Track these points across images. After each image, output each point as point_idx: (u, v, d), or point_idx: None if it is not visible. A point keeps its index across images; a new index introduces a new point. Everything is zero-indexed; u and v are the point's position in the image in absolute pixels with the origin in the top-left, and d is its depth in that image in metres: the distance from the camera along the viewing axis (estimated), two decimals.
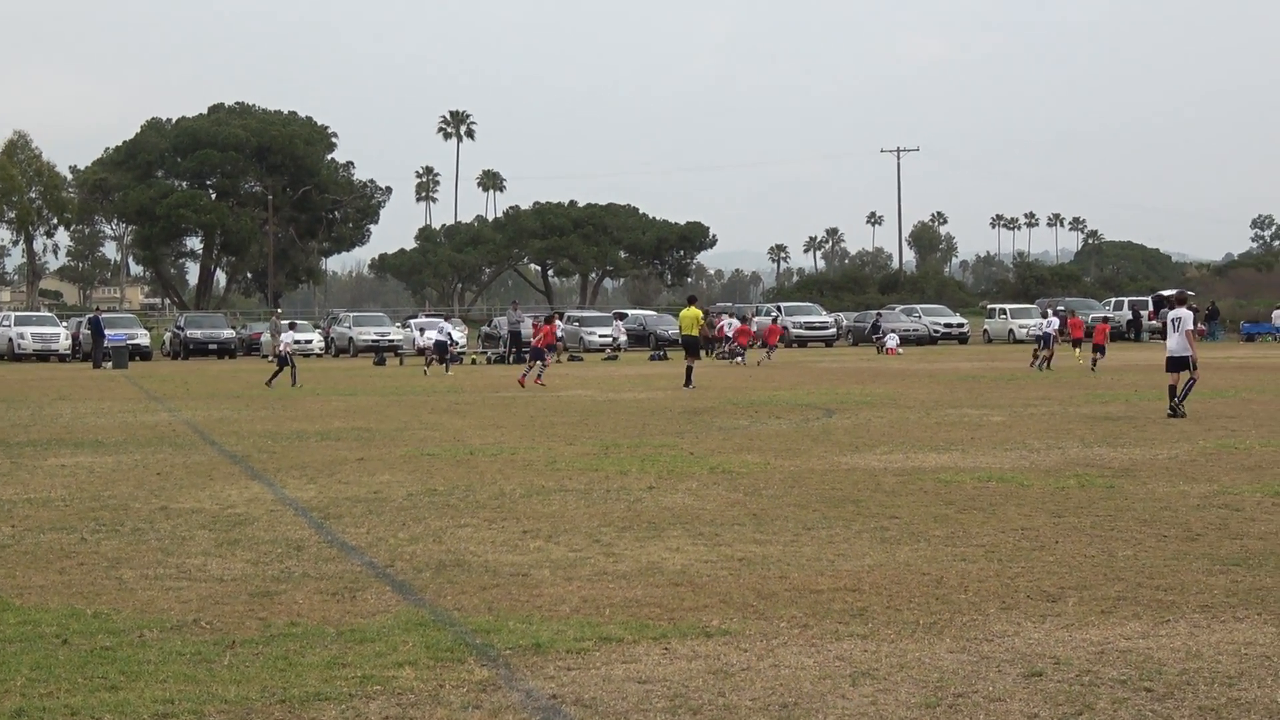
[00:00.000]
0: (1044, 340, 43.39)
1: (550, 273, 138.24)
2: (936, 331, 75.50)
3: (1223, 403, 26.01)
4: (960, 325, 77.09)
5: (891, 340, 63.19)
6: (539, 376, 36.05)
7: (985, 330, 77.62)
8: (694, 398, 30.02)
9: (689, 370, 34.44)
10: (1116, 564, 10.09)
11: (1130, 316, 76.34)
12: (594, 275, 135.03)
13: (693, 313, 36.29)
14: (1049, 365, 41.29)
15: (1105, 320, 49.77)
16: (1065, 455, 17.48)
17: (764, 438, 20.51)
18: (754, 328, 60.04)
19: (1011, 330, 73.82)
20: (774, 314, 74.77)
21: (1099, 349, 43.31)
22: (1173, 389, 23.02)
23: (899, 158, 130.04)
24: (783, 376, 39.30)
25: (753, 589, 9.47)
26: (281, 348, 39.21)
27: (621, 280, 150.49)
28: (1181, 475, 15.24)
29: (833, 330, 74.75)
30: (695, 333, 36.07)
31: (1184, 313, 23.96)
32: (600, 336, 67.56)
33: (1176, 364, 23.22)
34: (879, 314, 73.69)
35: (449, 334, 47.58)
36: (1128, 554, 10.49)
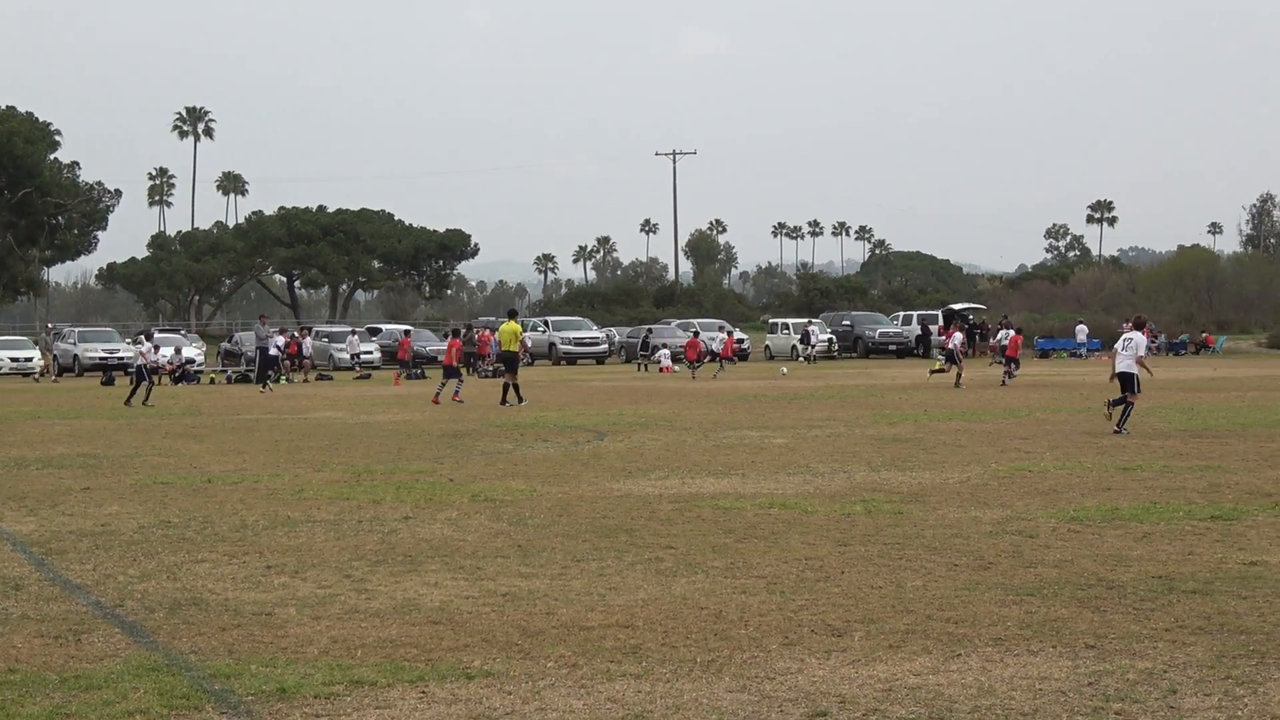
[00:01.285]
0: (950, 356, 45.29)
1: (297, 284, 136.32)
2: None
3: (1016, 423, 26.84)
4: (740, 341, 78.19)
5: (665, 357, 63.68)
6: (456, 393, 36.62)
7: (767, 346, 78.82)
8: (455, 419, 29.92)
9: (506, 388, 35.08)
10: (905, 595, 10.34)
11: (919, 332, 78.20)
12: (345, 287, 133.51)
13: (512, 327, 36.69)
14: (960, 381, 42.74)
15: (1019, 331, 51.43)
16: (851, 480, 17.85)
17: (530, 462, 20.52)
18: (529, 342, 60.18)
19: (795, 346, 75.10)
20: (540, 328, 75.00)
21: (1012, 361, 45.49)
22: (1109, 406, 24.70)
23: (675, 161, 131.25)
24: (551, 396, 39.38)
25: (517, 626, 9.47)
26: (140, 361, 38.97)
27: (375, 292, 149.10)
28: (973, 500, 15.67)
29: (604, 346, 75.15)
30: (514, 348, 36.54)
31: (1136, 335, 25.75)
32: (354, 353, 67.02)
33: (1126, 381, 24.81)
34: (649, 329, 74.27)
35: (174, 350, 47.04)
36: (917, 584, 10.75)
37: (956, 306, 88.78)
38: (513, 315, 38.27)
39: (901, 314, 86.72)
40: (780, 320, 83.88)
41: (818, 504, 15.45)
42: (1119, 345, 25.91)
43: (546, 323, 77.87)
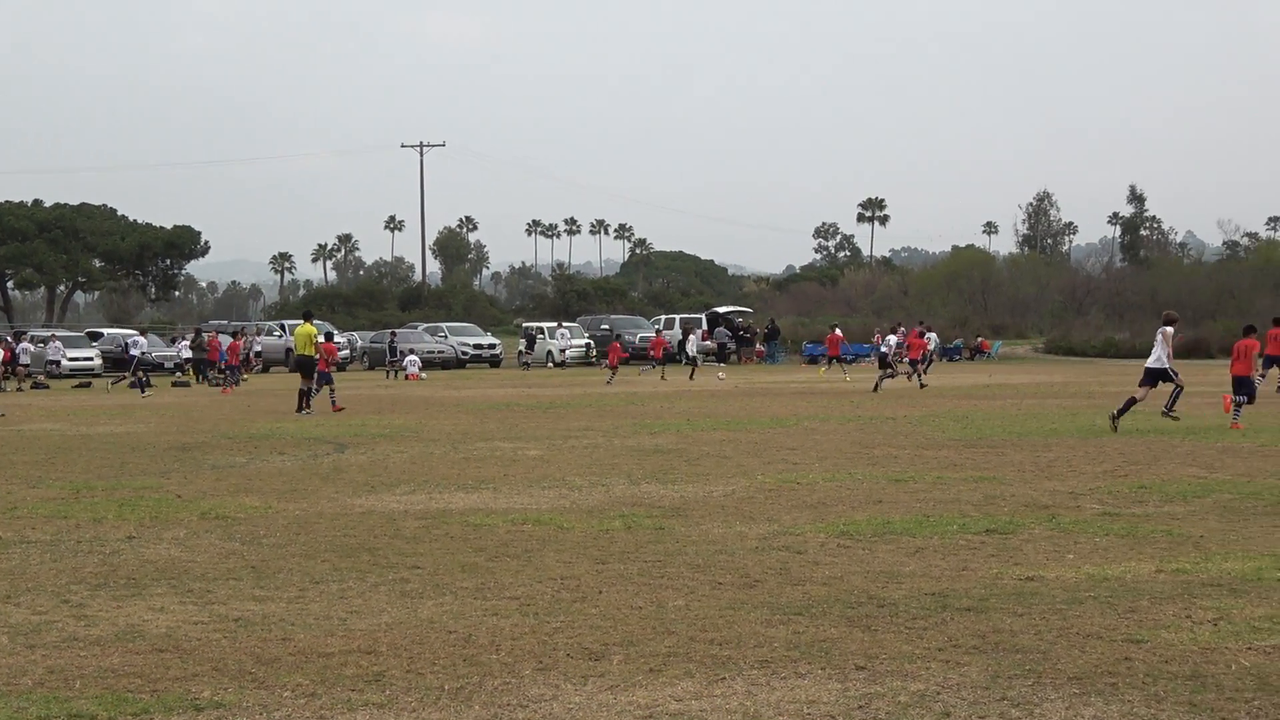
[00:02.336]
0: (882, 360, 46.62)
1: (10, 284, 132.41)
2: (465, 353, 76.28)
3: (783, 432, 27.24)
4: (492, 346, 78.13)
5: (412, 364, 63.35)
6: (333, 402, 36.45)
7: (520, 352, 78.95)
8: (183, 431, 29.40)
9: (302, 395, 35.30)
10: (667, 616, 10.41)
11: (681, 336, 78.93)
12: (63, 288, 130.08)
13: (307, 330, 36.31)
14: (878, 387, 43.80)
15: (921, 334, 52.43)
16: (610, 493, 17.94)
17: (265, 477, 20.25)
18: (258, 348, 59.37)
19: (550, 352, 75.30)
20: (278, 333, 74.10)
21: (916, 363, 47.35)
22: (1132, 400, 27.81)
23: (422, 154, 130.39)
24: (289, 406, 38.89)
25: (251, 654, 9.32)
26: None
27: (97, 294, 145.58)
28: (738, 514, 15.86)
29: (345, 352, 74.52)
30: (311, 352, 36.35)
31: (1167, 329, 28.43)
32: (71, 360, 65.52)
33: (1153, 375, 27.97)
34: (393, 333, 73.79)
35: None
36: (679, 604, 10.84)
37: (721, 310, 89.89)
38: (308, 317, 38.04)
39: (663, 317, 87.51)
40: (536, 324, 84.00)
41: (574, 519, 15.49)
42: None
43: (283, 326, 76.94)
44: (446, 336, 77.61)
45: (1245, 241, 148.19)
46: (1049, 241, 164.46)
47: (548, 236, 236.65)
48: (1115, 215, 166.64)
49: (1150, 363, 28.54)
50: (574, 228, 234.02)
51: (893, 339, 49.57)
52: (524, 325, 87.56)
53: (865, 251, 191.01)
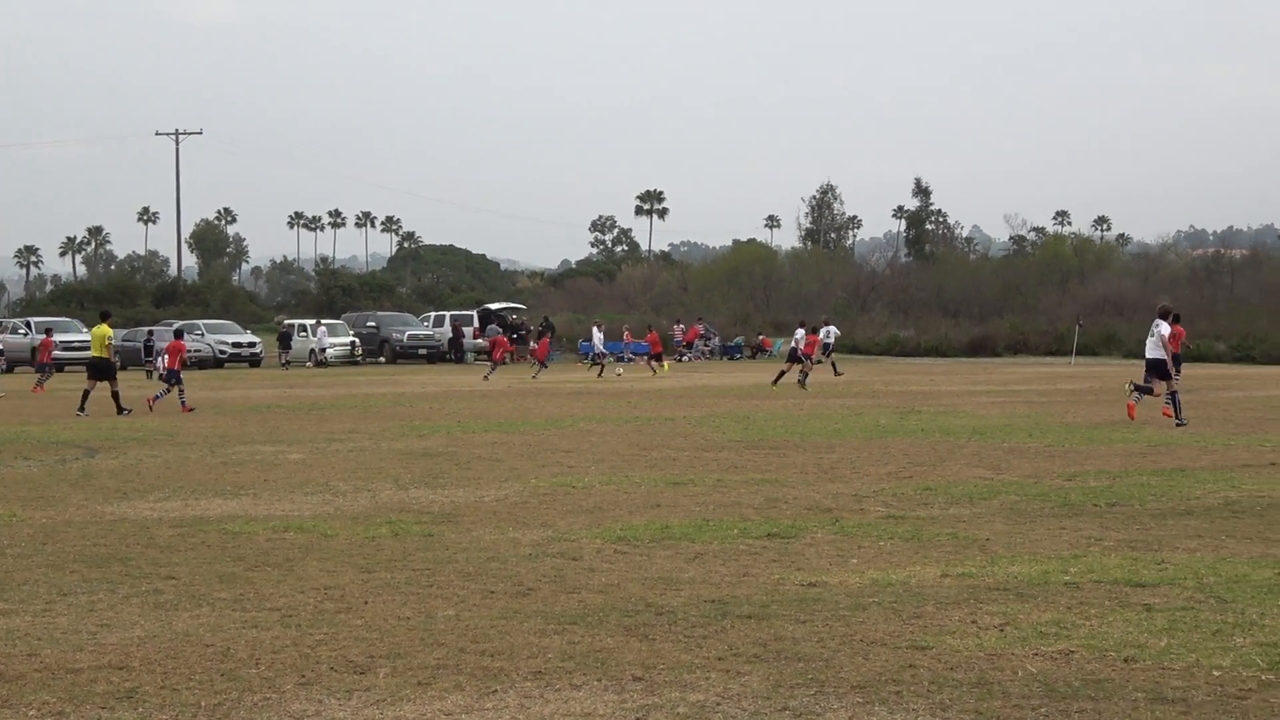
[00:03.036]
0: (792, 354, 48.18)
1: None
2: (223, 352, 75.20)
3: (558, 434, 27.29)
4: (252, 345, 77.06)
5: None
6: (183, 403, 36.00)
7: (281, 352, 78.00)
8: None
9: (95, 396, 34.78)
10: (436, 626, 10.37)
11: (452, 335, 78.77)
12: None
13: (103, 331, 35.73)
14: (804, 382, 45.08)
15: (814, 330, 52.63)
16: (377, 499, 17.83)
17: (9, 483, 19.78)
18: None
19: (313, 350, 74.57)
20: (23, 331, 72.50)
21: (807, 359, 47.92)
22: (1149, 390, 29.19)
23: (178, 142, 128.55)
24: (34, 408, 38.02)
25: None
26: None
27: None
28: (511, 520, 15.85)
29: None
30: (104, 353, 35.79)
31: (1163, 322, 29.76)
32: None
33: (1154, 367, 29.28)
34: (151, 331, 72.48)
35: None
36: (449, 614, 10.80)
37: (494, 306, 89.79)
38: (105, 317, 37.25)
39: (433, 314, 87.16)
40: (293, 322, 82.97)
41: (339, 526, 15.37)
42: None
43: (28, 324, 75.22)
44: (204, 335, 76.36)
45: (1033, 236, 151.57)
46: (832, 236, 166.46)
47: (311, 229, 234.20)
48: (900, 209, 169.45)
49: (1149, 354, 29.86)
50: (339, 220, 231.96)
51: (800, 333, 50.20)
52: (282, 322, 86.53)
53: (644, 246, 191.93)
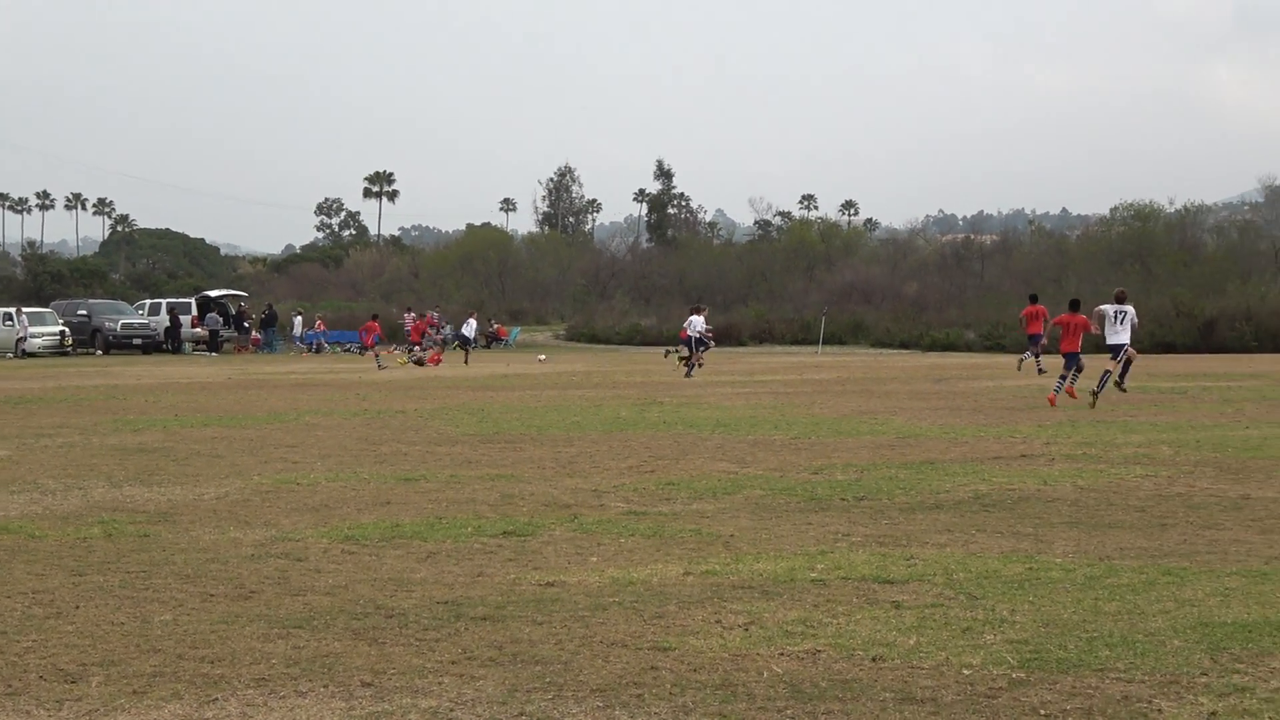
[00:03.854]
0: (461, 340, 50.65)
1: None
2: None
3: (282, 428, 27.00)
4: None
5: None
6: None
7: None
8: None
9: None
10: (152, 632, 10.19)
11: (169, 323, 77.52)
12: None
13: None
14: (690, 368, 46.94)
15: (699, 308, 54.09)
16: (89, 498, 17.47)
17: None
18: None
19: (21, 340, 72.74)
20: None
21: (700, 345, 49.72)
22: (1107, 373, 32.43)
23: None
24: None
25: None
26: None
27: None
28: (233, 519, 15.64)
29: None
30: None
31: (1128, 308, 33.20)
32: None
33: (1116, 350, 32.74)
34: None
35: None
36: (166, 619, 10.62)
37: (213, 293, 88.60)
38: None
39: (148, 302, 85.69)
40: (5, 309, 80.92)
41: (47, 527, 15.03)
42: (1110, 314, 32.98)
43: None
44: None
45: (778, 221, 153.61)
46: (571, 220, 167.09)
47: (17, 211, 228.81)
48: (642, 192, 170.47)
49: (1112, 339, 32.98)
50: (47, 202, 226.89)
51: (698, 320, 50.45)
52: None
53: (373, 230, 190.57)
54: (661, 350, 73.07)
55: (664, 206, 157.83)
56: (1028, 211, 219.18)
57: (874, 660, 9.15)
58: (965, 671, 8.84)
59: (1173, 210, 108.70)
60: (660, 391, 38.34)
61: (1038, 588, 11.34)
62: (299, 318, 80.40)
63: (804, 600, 11.02)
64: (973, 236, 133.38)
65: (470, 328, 67.26)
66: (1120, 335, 32.98)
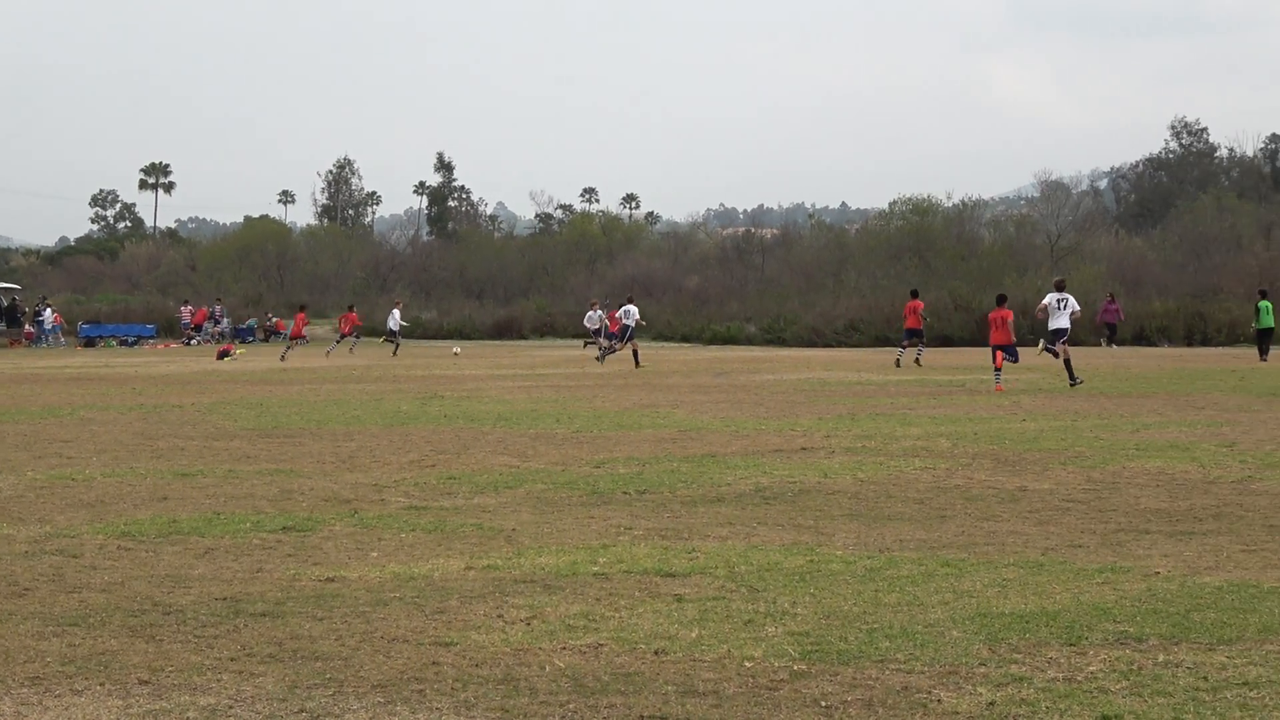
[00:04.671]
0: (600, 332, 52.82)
1: None
2: None
3: (56, 423, 26.52)
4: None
5: None
6: None
7: None
8: None
9: None
10: None
11: None
12: None
13: None
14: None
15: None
16: None
17: None
18: None
19: None
20: None
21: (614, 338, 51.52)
22: (1068, 361, 35.28)
23: None
24: None
25: None
26: None
27: None
28: (5, 515, 15.33)
29: None
30: None
31: (1067, 295, 36.78)
32: None
33: (1058, 335, 35.85)
34: None
35: None
36: None
37: None
38: None
39: None
40: None
41: None
42: (1053, 303, 36.39)
43: None
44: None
45: (559, 214, 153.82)
46: (350, 213, 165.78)
47: None
48: (422, 185, 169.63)
49: (1054, 325, 36.23)
50: None
51: (633, 309, 52.32)
52: None
53: (149, 222, 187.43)
54: (440, 343, 72.92)
55: (444, 199, 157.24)
56: (808, 205, 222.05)
57: (656, 653, 9.20)
58: (747, 664, 8.92)
59: (950, 205, 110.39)
60: (441, 385, 38.20)
61: (818, 580, 11.48)
62: (48, 310, 78.90)
63: (586, 594, 11.04)
64: (753, 230, 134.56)
65: (394, 319, 66.79)
66: (1060, 320, 36.18)
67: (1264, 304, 50.49)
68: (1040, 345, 37.22)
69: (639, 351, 51.19)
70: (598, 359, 51.38)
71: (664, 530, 14.17)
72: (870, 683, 8.49)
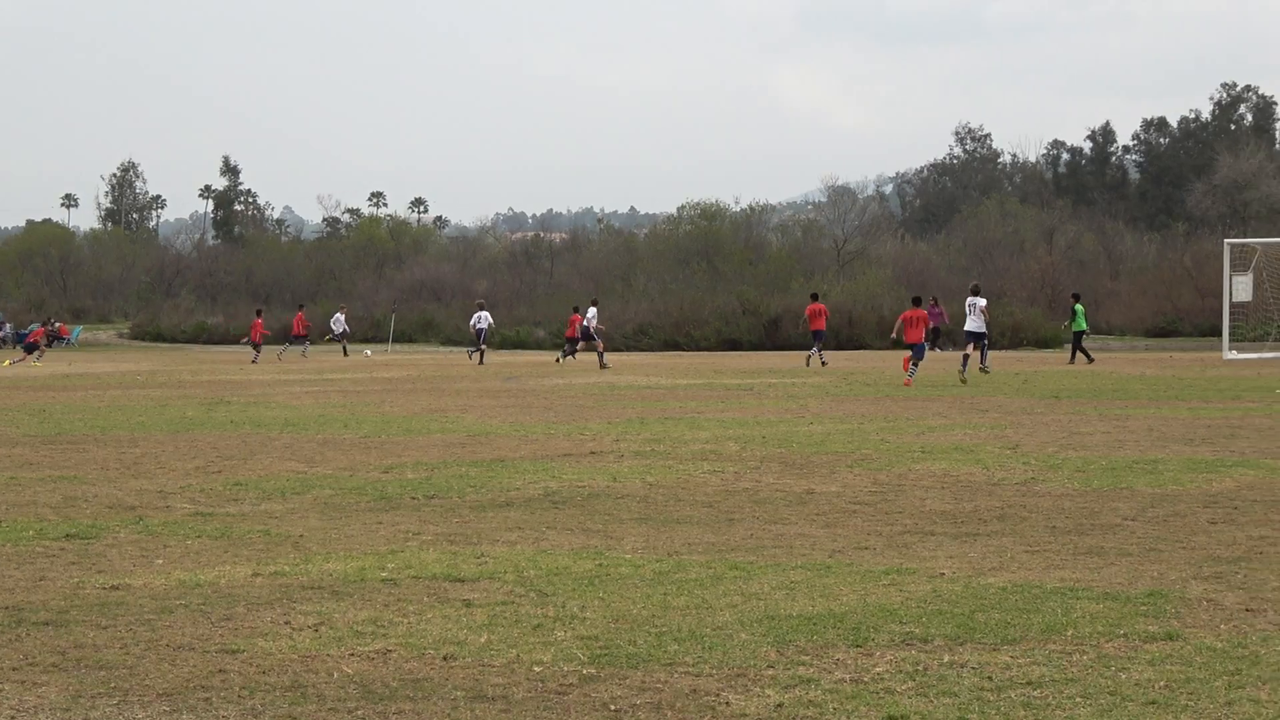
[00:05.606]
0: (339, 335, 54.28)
1: None
2: None
3: None
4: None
5: None
6: None
7: None
8: None
9: None
10: None
11: None
12: None
13: None
14: None
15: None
16: None
17: None
18: None
19: None
20: None
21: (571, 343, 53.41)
22: (966, 356, 38.72)
23: None
24: None
25: None
26: None
27: None
28: None
29: None
30: None
31: (981, 300, 40.76)
32: None
33: (974, 337, 39.94)
34: None
35: None
36: None
37: None
38: None
39: None
40: None
41: None
42: (969, 308, 40.39)
43: None
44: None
45: (347, 218, 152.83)
46: (135, 217, 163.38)
47: None
48: (208, 189, 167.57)
49: (969, 327, 40.29)
50: None
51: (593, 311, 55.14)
52: None
53: None
54: (227, 348, 72.15)
55: (230, 203, 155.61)
56: (597, 210, 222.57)
57: (445, 659, 9.18)
58: (536, 668, 8.93)
59: (738, 209, 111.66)
60: (228, 390, 37.79)
61: (608, 584, 11.52)
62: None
63: (374, 600, 10.99)
64: (542, 234, 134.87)
65: (339, 322, 66.54)
66: (973, 323, 40.16)
67: (1078, 307, 52.05)
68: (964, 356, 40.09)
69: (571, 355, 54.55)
70: (558, 360, 53.71)
71: (452, 535, 14.14)
72: (659, 686, 8.54)
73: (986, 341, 41.91)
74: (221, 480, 18.53)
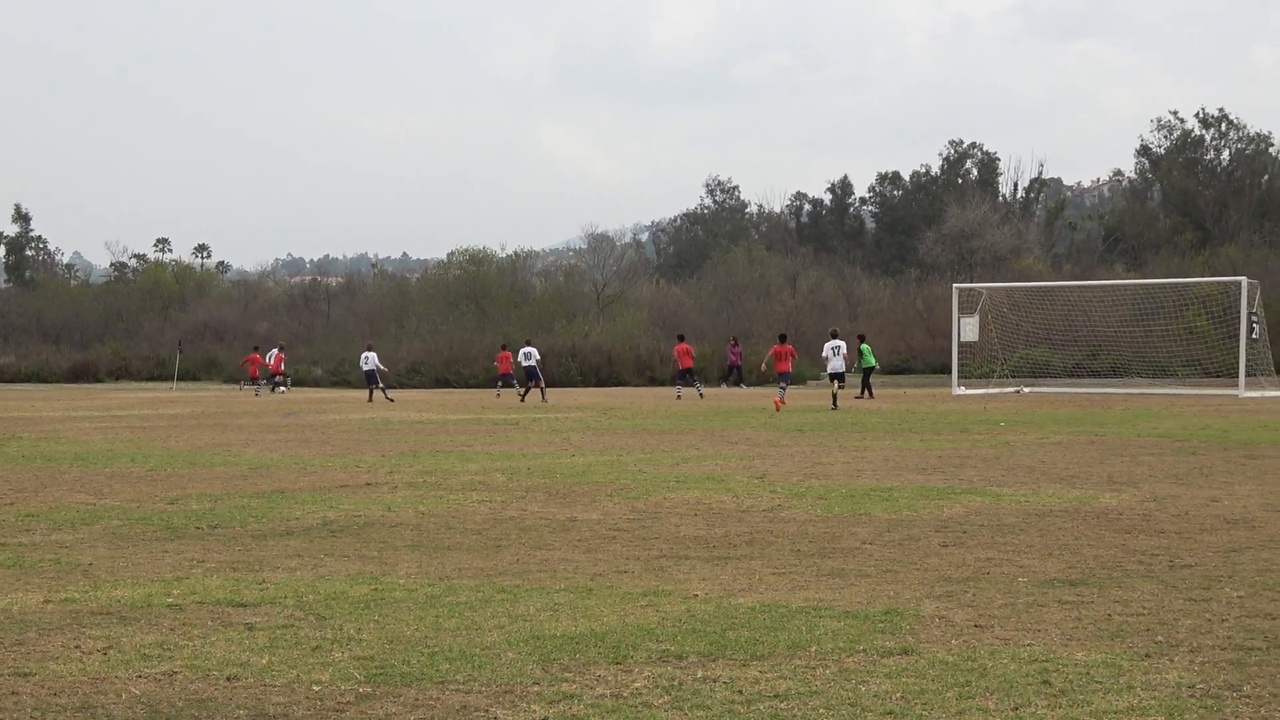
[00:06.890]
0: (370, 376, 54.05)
1: None
2: None
3: None
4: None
5: None
6: None
7: None
8: None
9: None
10: None
11: None
12: None
13: None
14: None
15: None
16: None
17: None
18: None
19: None
20: None
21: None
22: (835, 395, 43.62)
23: None
24: None
25: None
26: None
27: None
28: None
29: None
30: None
31: (841, 342, 45.72)
32: None
33: (837, 376, 44.57)
34: None
35: None
36: None
37: None
38: None
39: None
40: None
41: None
42: (828, 352, 45.39)
43: None
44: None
45: (134, 263, 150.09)
46: None
47: None
48: (0, 234, 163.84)
49: (832, 369, 44.89)
50: None
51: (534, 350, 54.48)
52: None
53: None
54: (16, 386, 70.38)
55: (22, 249, 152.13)
56: (371, 255, 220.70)
57: (229, 679, 9.06)
58: (315, 688, 8.85)
59: (504, 255, 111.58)
60: (19, 426, 36.90)
61: (383, 607, 11.45)
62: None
63: (161, 624, 10.82)
64: (319, 278, 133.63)
65: (372, 361, 57.23)
66: (834, 364, 44.69)
67: (864, 346, 53.49)
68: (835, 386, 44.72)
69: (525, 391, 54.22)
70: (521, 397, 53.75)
71: (235, 563, 13.96)
72: (431, 702, 8.51)
73: (844, 376, 45.71)
74: (14, 512, 18.11)
